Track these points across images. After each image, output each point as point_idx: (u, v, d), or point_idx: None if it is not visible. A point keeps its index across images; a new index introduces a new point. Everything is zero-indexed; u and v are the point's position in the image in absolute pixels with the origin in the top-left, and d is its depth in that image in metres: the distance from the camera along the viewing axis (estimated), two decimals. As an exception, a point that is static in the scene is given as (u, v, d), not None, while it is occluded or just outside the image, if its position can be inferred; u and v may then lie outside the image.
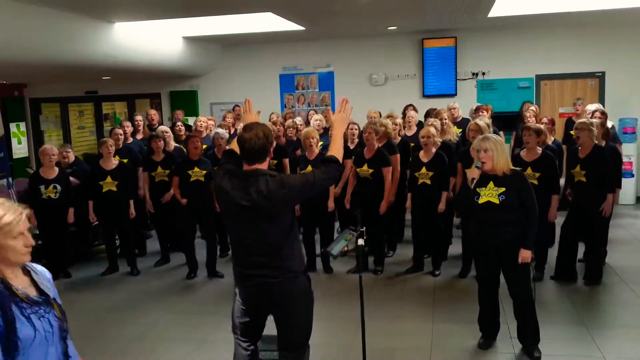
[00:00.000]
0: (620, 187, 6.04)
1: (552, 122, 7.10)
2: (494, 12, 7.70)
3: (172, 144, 7.29)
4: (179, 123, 8.23)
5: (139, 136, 8.01)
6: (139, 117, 8.22)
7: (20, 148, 11.38)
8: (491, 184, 4.00)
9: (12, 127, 11.20)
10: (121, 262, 6.68)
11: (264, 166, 2.97)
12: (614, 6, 7.59)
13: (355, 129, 6.76)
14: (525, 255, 3.95)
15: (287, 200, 2.91)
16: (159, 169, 6.59)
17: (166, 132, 7.11)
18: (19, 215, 1.94)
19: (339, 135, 3.15)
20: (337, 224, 7.05)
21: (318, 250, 6.39)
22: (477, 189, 4.03)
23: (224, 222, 3.12)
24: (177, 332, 4.96)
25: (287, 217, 2.97)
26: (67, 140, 11.48)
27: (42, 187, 6.23)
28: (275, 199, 2.85)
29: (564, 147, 7.06)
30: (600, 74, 9.46)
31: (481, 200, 4.00)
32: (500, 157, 3.97)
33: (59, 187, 6.25)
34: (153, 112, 8.80)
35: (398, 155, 6.25)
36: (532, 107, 7.90)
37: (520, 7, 7.63)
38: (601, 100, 9.44)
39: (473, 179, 4.05)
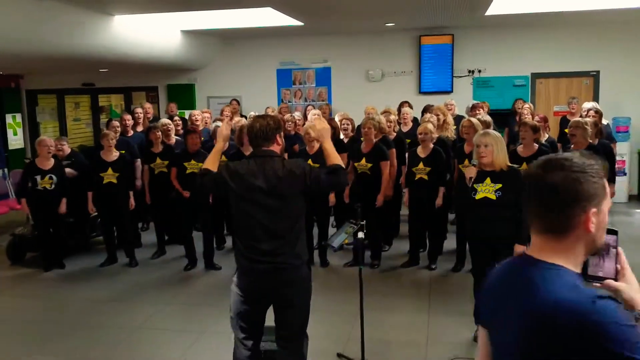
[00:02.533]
0: (614, 182, 6.16)
1: (544, 120, 7.17)
2: (492, 10, 7.76)
3: (174, 138, 7.31)
4: (177, 118, 8.24)
5: (139, 128, 8.06)
6: (139, 110, 8.27)
7: (15, 139, 11.36)
8: (488, 180, 4.08)
9: (8, 118, 11.20)
10: (119, 253, 6.71)
11: (274, 148, 3.09)
12: (609, 6, 7.67)
13: (348, 124, 6.85)
14: (520, 250, 4.03)
15: (295, 184, 3.00)
16: (158, 160, 6.61)
17: (169, 125, 7.12)
18: None
19: (330, 145, 3.22)
20: (331, 218, 7.10)
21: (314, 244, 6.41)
22: (474, 185, 4.11)
23: (233, 210, 3.12)
24: (176, 323, 5.03)
25: (297, 204, 3.06)
26: (63, 133, 11.46)
27: (38, 178, 6.26)
28: (288, 179, 2.98)
29: (558, 145, 7.12)
30: (594, 73, 9.55)
31: (478, 196, 4.09)
32: (499, 153, 4.05)
33: (54, 178, 6.30)
34: (148, 106, 8.85)
35: (394, 150, 6.33)
36: (527, 105, 8.01)
37: (518, 6, 7.69)
38: (595, 99, 9.52)
39: (470, 177, 4.13)
